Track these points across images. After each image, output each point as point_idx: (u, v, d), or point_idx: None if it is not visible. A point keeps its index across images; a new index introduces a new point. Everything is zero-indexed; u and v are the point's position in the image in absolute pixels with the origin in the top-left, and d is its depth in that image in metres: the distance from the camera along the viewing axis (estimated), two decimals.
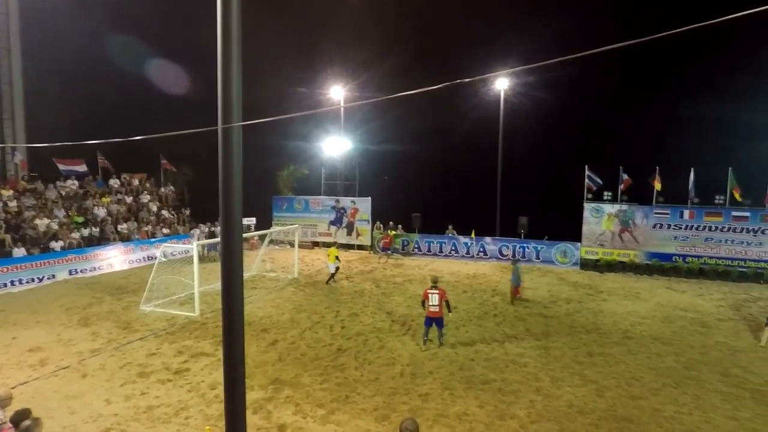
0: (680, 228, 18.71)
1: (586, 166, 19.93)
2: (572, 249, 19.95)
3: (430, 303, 9.99)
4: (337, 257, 16.27)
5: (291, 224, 22.25)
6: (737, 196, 18.33)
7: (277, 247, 22.99)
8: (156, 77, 27.64)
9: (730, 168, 18.36)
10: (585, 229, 19.81)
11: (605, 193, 19.76)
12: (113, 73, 26.60)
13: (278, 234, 22.41)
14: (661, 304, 14.13)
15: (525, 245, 20.82)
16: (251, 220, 24.24)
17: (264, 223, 24.86)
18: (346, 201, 24.53)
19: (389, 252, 22.00)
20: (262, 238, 20.01)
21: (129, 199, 21.96)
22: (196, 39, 15.37)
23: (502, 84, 25.12)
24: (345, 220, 24.19)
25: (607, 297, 14.94)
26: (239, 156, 3.79)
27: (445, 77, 4.82)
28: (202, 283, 13.04)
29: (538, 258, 20.45)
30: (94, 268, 17.36)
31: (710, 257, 18.25)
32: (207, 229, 22.74)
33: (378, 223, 24.11)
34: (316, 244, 24.66)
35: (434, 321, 10.01)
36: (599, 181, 19.99)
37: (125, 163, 23.59)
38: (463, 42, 38.08)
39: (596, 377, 8.60)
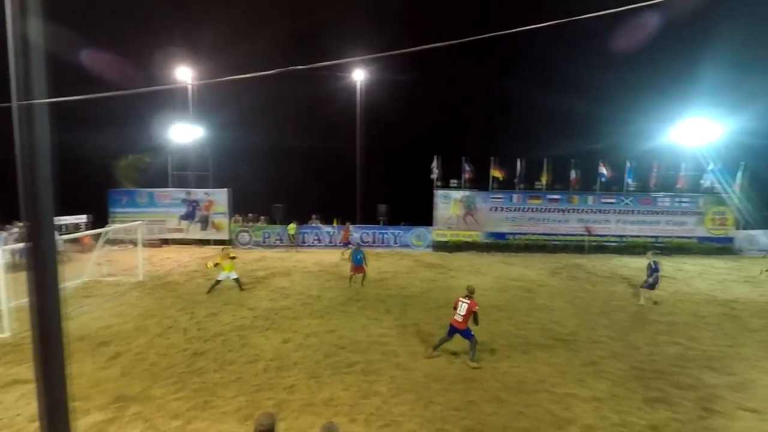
0: (511, 210, 21.80)
1: (435, 157, 21.76)
2: (426, 233, 21.73)
3: (457, 312, 9.09)
4: (216, 265, 14.31)
5: (133, 221, 19.69)
6: (499, 175, 22.00)
7: (116, 247, 20.15)
8: None
9: (545, 159, 21.94)
10: (436, 214, 21.72)
11: (452, 181, 21.88)
12: None
13: (117, 232, 19.64)
14: (498, 276, 16.31)
15: (384, 231, 21.94)
16: (81, 218, 20.82)
17: (100, 220, 21.57)
18: (198, 193, 22.66)
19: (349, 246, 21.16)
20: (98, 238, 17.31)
21: None
22: None
23: (359, 75, 25.80)
24: (198, 213, 22.36)
25: (456, 274, 16.66)
26: (46, 140, 3.18)
27: (308, 62, 4.75)
28: (13, 297, 10.76)
29: (396, 243, 21.75)
30: None
31: (533, 234, 21.67)
32: (17, 230, 18.78)
33: (237, 215, 22.88)
34: (165, 241, 22.32)
35: (457, 332, 9.02)
36: (436, 171, 22.00)
37: None
38: (326, 27, 37.86)
39: (447, 346, 9.52)
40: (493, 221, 21.76)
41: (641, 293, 13.19)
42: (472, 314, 8.91)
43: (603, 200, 21.77)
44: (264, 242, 21.77)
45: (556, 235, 21.61)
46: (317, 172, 32.37)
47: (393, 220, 23.19)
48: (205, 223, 22.36)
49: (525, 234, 21.67)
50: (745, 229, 22.41)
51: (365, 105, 26.40)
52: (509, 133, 33.10)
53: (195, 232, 22.34)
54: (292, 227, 21.90)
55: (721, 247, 21.04)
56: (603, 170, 21.98)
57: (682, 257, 19.92)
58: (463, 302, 9.04)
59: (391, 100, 33.48)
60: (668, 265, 18.49)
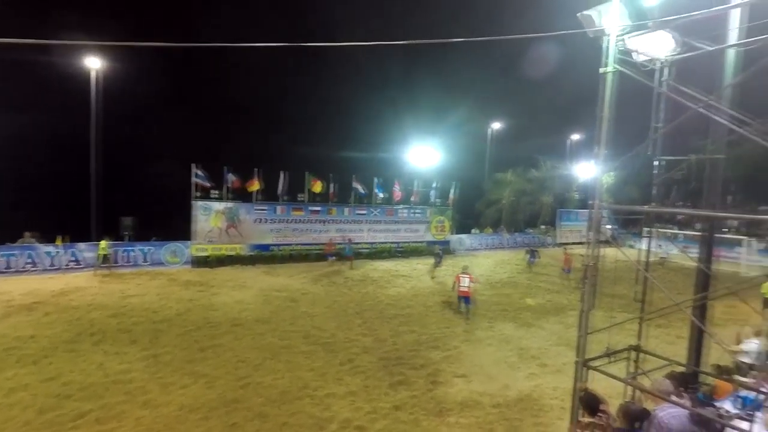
0: (275, 222, 21.98)
1: (193, 165, 20.04)
2: (182, 248, 19.75)
3: (461, 284, 12.90)
4: None
5: None
6: (256, 187, 21.84)
7: None
8: None
9: (306, 172, 23.06)
10: (195, 227, 19.99)
11: (212, 192, 20.54)
12: None
13: None
14: (263, 289, 16.13)
15: (130, 248, 18.90)
16: None
17: None
18: None
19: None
20: None
21: None
22: None
23: (93, 63, 21.61)
24: None
25: (218, 291, 15.68)
26: None
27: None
28: None
29: (146, 261, 19.01)
30: None
31: (297, 244, 22.40)
32: None
33: None
34: None
35: (464, 299, 12.93)
36: (206, 179, 20.51)
37: None
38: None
39: (207, 370, 8.85)
40: (257, 233, 21.46)
41: (433, 272, 19.59)
42: (472, 282, 13.04)
43: (357, 212, 24.30)
44: None
45: (317, 244, 22.87)
46: (31, 178, 25.37)
47: (142, 235, 20.21)
48: None
49: (289, 245, 22.19)
50: (456, 233, 28.82)
51: (106, 99, 22.29)
52: (272, 145, 33.62)
53: None
54: (103, 245, 17.48)
55: (442, 249, 26.27)
56: (357, 185, 24.57)
57: (416, 258, 24.01)
58: (464, 277, 12.94)
59: (138, 99, 29.44)
60: (405, 265, 22.05)
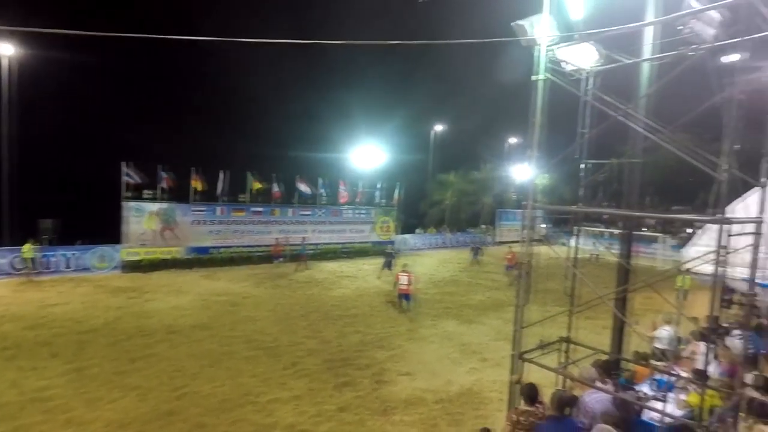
0: (215, 223, 21.09)
1: (123, 164, 18.73)
2: (112, 252, 18.44)
3: (400, 282, 13.32)
4: None
5: None
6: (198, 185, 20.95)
7: None
8: None
9: (248, 172, 22.36)
10: (126, 229, 18.72)
11: (145, 192, 19.32)
12: None
13: None
14: (201, 293, 15.43)
15: (51, 254, 17.36)
16: None
17: None
18: None
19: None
20: None
21: None
22: None
23: (6, 49, 19.59)
24: None
25: (152, 297, 14.80)
26: None
27: None
28: None
29: (69, 267, 17.54)
30: None
31: (238, 246, 21.64)
32: None
33: None
34: None
35: (404, 296, 13.38)
36: (137, 178, 19.24)
37: None
38: None
39: (139, 382, 8.32)
40: (195, 235, 20.48)
41: (381, 273, 18.86)
42: (411, 281, 13.34)
43: (301, 213, 23.90)
44: None
45: (260, 246, 22.24)
46: None
47: (65, 239, 18.62)
48: None
49: (230, 247, 21.40)
50: (401, 233, 29.20)
51: (22, 93, 20.30)
52: (210, 143, 32.27)
53: None
54: (27, 249, 16.03)
55: (394, 249, 26.50)
56: (301, 185, 24.15)
57: (361, 259, 24.03)
58: (403, 275, 13.34)
59: (62, 92, 27.15)
60: (351, 266, 22.02)
